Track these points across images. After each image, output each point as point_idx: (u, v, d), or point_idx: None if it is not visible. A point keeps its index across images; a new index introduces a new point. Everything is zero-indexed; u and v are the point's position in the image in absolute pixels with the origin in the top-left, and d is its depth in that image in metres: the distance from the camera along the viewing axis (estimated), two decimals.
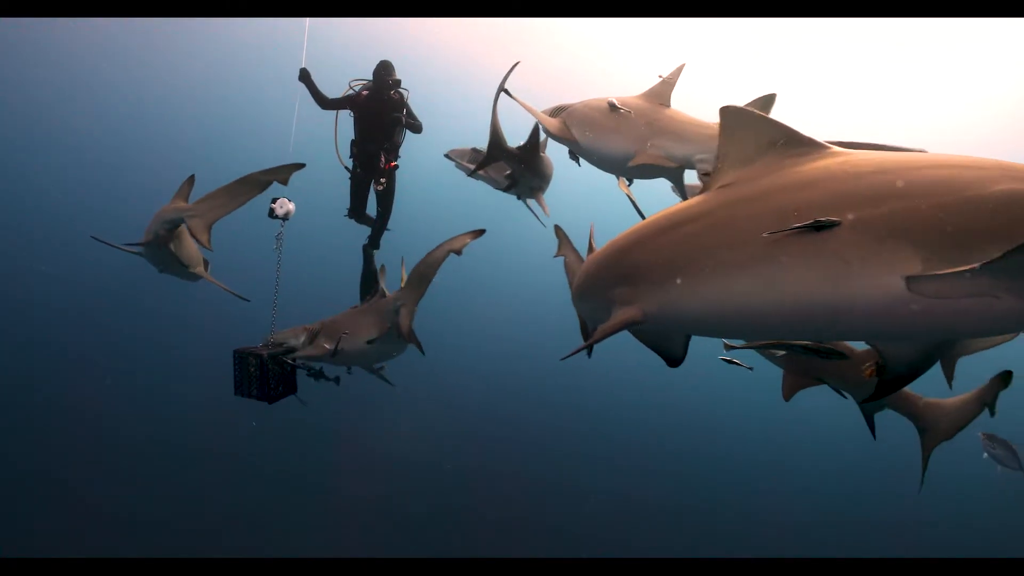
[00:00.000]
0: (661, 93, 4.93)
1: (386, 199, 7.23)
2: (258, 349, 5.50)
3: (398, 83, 6.84)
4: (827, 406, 4.70)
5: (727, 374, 5.52)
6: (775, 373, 4.59)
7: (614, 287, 2.99)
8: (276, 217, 5.55)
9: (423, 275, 5.50)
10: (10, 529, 10.31)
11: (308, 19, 6.30)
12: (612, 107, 4.90)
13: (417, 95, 7.09)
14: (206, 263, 6.60)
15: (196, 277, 6.40)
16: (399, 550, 11.15)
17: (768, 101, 4.65)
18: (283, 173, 5.36)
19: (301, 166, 5.36)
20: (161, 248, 5.90)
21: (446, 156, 7.26)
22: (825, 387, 4.37)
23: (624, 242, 3.07)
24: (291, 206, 5.58)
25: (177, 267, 6.16)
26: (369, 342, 5.70)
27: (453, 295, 13.93)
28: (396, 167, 7.14)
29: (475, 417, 18.08)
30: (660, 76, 4.99)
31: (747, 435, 19.41)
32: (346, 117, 7.05)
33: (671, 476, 17.06)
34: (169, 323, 17.98)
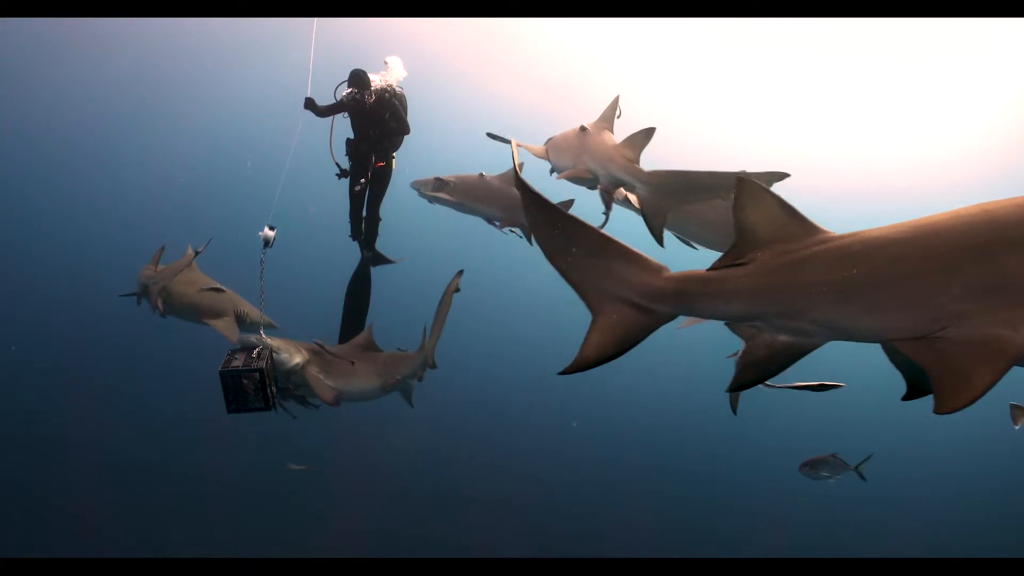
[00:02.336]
0: (609, 117, 5.53)
1: (374, 201, 7.38)
2: (251, 363, 5.31)
3: (371, 95, 6.90)
4: (826, 409, 4.69)
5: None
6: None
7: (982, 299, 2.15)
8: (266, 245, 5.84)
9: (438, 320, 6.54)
10: (10, 529, 10.33)
11: (316, 19, 6.50)
12: (582, 129, 5.53)
13: (412, 98, 7.18)
14: (239, 318, 6.95)
15: (199, 323, 6.75)
16: (398, 551, 11.16)
17: (648, 134, 5.16)
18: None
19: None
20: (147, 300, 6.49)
21: (411, 186, 7.40)
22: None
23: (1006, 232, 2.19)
24: (271, 233, 5.77)
25: (171, 314, 6.71)
26: (384, 388, 6.61)
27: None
28: (383, 166, 7.26)
29: (473, 420, 18.07)
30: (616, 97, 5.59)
31: (748, 436, 19.38)
32: (341, 117, 7.16)
33: (671, 477, 17.09)
34: (156, 335, 17.81)
